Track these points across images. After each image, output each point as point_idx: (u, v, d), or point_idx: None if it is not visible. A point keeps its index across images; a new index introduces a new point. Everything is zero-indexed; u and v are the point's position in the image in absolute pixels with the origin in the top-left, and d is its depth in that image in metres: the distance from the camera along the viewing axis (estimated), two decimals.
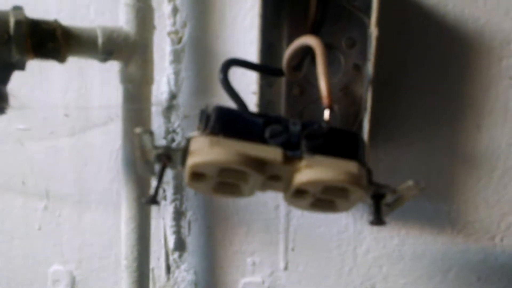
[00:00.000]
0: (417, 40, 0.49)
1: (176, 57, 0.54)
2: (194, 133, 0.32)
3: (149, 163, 0.35)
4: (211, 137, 0.32)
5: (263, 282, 0.58)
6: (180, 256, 0.60)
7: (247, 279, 0.59)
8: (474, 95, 0.49)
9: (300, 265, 0.57)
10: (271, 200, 0.56)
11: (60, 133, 0.59)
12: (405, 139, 0.50)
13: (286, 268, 0.57)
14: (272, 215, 0.56)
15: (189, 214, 0.58)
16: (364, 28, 0.47)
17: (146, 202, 0.33)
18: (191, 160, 0.31)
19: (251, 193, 0.35)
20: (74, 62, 0.57)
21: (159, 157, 0.34)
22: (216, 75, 0.53)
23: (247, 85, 0.52)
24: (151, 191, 0.33)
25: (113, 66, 0.53)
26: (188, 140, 0.33)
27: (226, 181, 0.34)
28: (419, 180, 0.33)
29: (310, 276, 0.57)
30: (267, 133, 0.32)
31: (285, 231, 0.56)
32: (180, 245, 0.60)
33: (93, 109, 0.57)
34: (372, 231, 0.54)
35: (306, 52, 0.46)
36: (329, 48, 0.49)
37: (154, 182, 0.34)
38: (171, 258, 0.60)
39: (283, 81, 0.51)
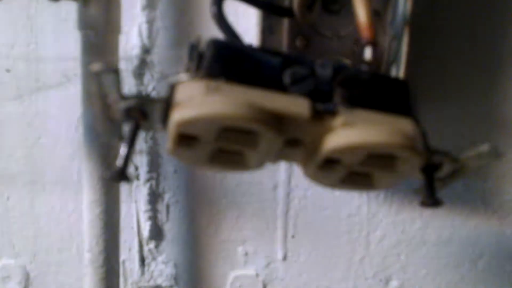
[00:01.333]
0: None
1: (150, 2, 0.44)
2: (181, 76, 0.22)
3: (114, 122, 0.24)
4: (207, 81, 0.21)
5: (257, 275, 0.49)
6: (156, 246, 0.51)
7: (238, 272, 0.50)
8: None
9: (302, 254, 0.48)
10: (268, 179, 0.46)
11: (3, 94, 0.48)
12: (435, 102, 0.42)
13: (284, 258, 0.48)
14: (269, 195, 0.47)
15: (167, 196, 0.49)
16: None
17: (111, 177, 0.23)
18: (179, 114, 0.21)
19: (259, 164, 0.25)
20: (21, 9, 0.47)
21: (129, 112, 0.23)
22: (199, 25, 0.44)
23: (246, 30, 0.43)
24: (118, 161, 0.23)
25: (70, 14, 0.43)
26: (173, 87, 0.22)
27: (226, 148, 0.24)
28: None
29: (313, 268, 0.48)
30: (287, 78, 0.22)
31: (283, 215, 0.47)
32: (157, 233, 0.50)
33: (44, 64, 0.46)
34: (390, 213, 0.45)
35: None
36: None
37: (123, 150, 0.23)
38: (145, 248, 0.51)
39: (284, 28, 0.42)
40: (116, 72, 0.21)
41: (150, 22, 0.45)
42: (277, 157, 0.26)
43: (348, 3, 0.41)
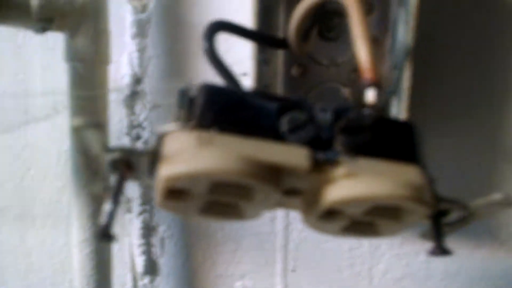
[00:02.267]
0: (453, 4, 0.38)
1: (140, 30, 0.43)
2: (170, 125, 0.20)
3: (100, 174, 0.23)
4: (198, 132, 0.20)
5: None
6: (151, 281, 0.49)
7: None
8: None
9: None
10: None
11: None
12: (438, 128, 0.40)
13: None
14: (267, 228, 0.45)
15: (161, 230, 0.47)
16: None
17: (98, 238, 0.21)
18: (167, 170, 0.20)
19: (256, 214, 0.24)
20: (9, 39, 0.46)
21: (114, 165, 0.22)
22: (192, 53, 0.43)
23: (233, 65, 0.41)
24: (103, 218, 0.21)
25: (58, 43, 0.42)
26: (161, 138, 0.21)
27: (220, 200, 0.22)
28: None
29: None
30: (284, 125, 0.21)
31: (283, 248, 0.45)
32: (151, 268, 0.48)
33: (33, 98, 0.45)
34: (393, 246, 0.44)
35: (314, 20, 0.34)
36: (336, 16, 0.39)
37: (107, 206, 0.22)
38: (140, 284, 0.49)
39: (280, 58, 0.40)
40: (97, 126, 0.19)
41: (141, 51, 0.43)
42: (275, 205, 0.24)
43: (344, 30, 0.40)
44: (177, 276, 0.48)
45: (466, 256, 0.43)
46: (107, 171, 0.22)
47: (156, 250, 0.48)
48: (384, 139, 0.22)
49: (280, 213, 0.45)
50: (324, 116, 0.21)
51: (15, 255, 0.52)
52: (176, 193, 0.21)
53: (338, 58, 0.41)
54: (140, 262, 0.48)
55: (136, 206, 0.47)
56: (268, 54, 0.38)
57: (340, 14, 0.39)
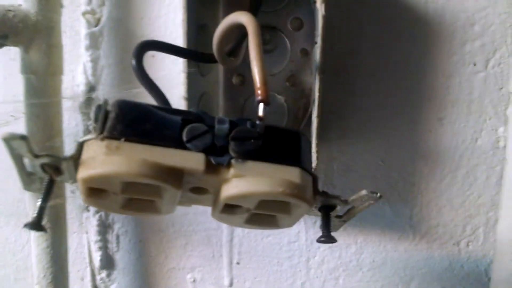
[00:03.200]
0: (371, 22, 0.42)
1: (94, 42, 0.46)
2: (88, 136, 0.24)
3: (34, 176, 0.27)
4: (108, 141, 0.24)
5: None
6: (108, 275, 0.52)
7: None
8: (435, 84, 0.43)
9: (247, 280, 0.50)
10: None
11: None
12: (361, 135, 0.44)
13: (231, 284, 0.50)
14: (214, 225, 0.49)
15: (116, 227, 0.50)
16: (312, 6, 0.40)
17: (27, 227, 0.25)
18: (82, 173, 0.24)
19: (170, 209, 0.28)
20: None
21: (43, 168, 0.25)
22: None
23: (178, 74, 0.45)
24: (34, 212, 0.25)
25: (18, 54, 0.44)
26: (81, 145, 0.25)
27: (136, 197, 0.26)
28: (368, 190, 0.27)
29: None
30: (185, 135, 0.25)
31: (228, 243, 0.49)
32: (108, 263, 0.52)
33: None
34: None
35: (244, 34, 0.38)
36: (273, 31, 0.43)
37: (38, 202, 0.25)
38: (98, 277, 0.52)
39: (220, 69, 0.44)
40: (23, 137, 0.23)
41: (94, 61, 0.47)
42: (188, 202, 0.29)
43: (280, 44, 0.44)
44: (133, 270, 0.52)
45: (391, 248, 0.47)
46: (38, 173, 0.26)
47: (112, 246, 0.51)
48: (272, 145, 0.26)
49: None
50: (222, 127, 0.25)
51: None
52: (96, 191, 0.25)
53: (273, 69, 0.44)
54: (97, 257, 0.51)
55: None
56: (205, 66, 0.42)
57: (274, 28, 0.44)
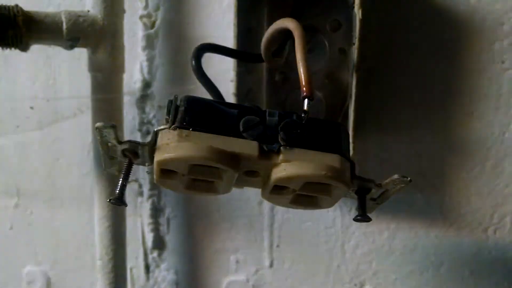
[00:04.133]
0: (404, 23, 0.46)
1: (149, 43, 0.51)
2: (162, 126, 0.29)
3: (115, 160, 0.32)
4: (179, 130, 0.28)
5: (247, 281, 0.55)
6: (159, 255, 0.57)
7: (231, 278, 0.56)
8: (465, 80, 0.46)
9: (286, 262, 0.54)
10: (254, 196, 0.53)
11: (27, 126, 0.55)
12: (394, 128, 0.48)
13: (271, 265, 0.55)
14: (256, 211, 0.53)
15: (167, 211, 0.55)
16: (349, 10, 0.44)
17: (112, 202, 0.30)
18: (158, 156, 0.28)
19: (227, 190, 0.32)
20: (41, 50, 0.54)
21: (124, 153, 0.30)
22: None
23: (225, 72, 0.49)
24: (116, 190, 0.30)
25: (83, 54, 0.50)
26: (156, 134, 0.29)
27: (199, 178, 0.31)
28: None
29: (296, 273, 0.54)
30: (241, 126, 0.29)
31: (269, 227, 0.53)
32: (159, 244, 0.57)
33: (61, 100, 0.54)
34: (361, 225, 0.51)
35: (287, 36, 0.42)
36: (312, 32, 0.47)
37: (120, 181, 0.30)
38: (150, 257, 0.57)
39: (264, 67, 0.48)
40: (112, 126, 0.28)
41: (150, 60, 0.51)
42: (240, 184, 0.33)
43: (319, 44, 0.48)
44: (181, 251, 0.56)
45: (422, 234, 0.50)
46: (119, 157, 0.31)
47: (163, 228, 0.56)
48: (315, 135, 0.30)
49: None
50: (272, 119, 0.30)
51: (45, 232, 0.59)
52: (167, 172, 0.30)
53: (313, 67, 0.48)
54: (149, 238, 0.56)
55: (146, 191, 0.55)
56: (251, 65, 0.46)
57: (314, 29, 0.47)
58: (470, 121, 0.47)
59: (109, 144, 0.30)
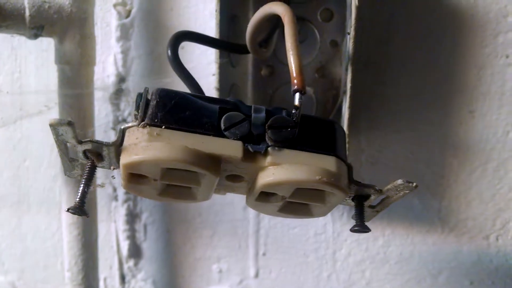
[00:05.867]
0: (403, 13, 0.42)
1: (124, 33, 0.47)
2: (130, 123, 0.25)
3: (76, 162, 0.27)
4: (150, 128, 0.24)
5: None
6: (135, 264, 0.53)
7: None
8: (466, 75, 0.43)
9: (273, 271, 0.50)
10: (238, 199, 0.49)
11: None
12: (390, 127, 0.44)
13: (256, 275, 0.51)
14: (240, 215, 0.49)
15: (144, 217, 0.51)
16: None
17: (70, 212, 0.26)
18: (125, 159, 0.24)
19: (206, 197, 0.28)
20: (5, 41, 0.50)
21: (86, 155, 0.26)
22: None
23: (207, 65, 0.45)
24: (76, 197, 0.25)
25: (51, 45, 0.45)
26: (123, 132, 0.25)
27: (174, 184, 0.27)
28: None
29: (284, 284, 0.50)
30: (223, 123, 0.25)
31: (255, 234, 0.50)
32: (135, 252, 0.52)
33: (27, 95, 0.49)
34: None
35: (275, 25, 0.39)
36: (302, 22, 0.43)
37: (80, 187, 0.26)
38: (125, 266, 0.53)
39: (249, 60, 0.44)
40: (69, 124, 0.23)
41: (125, 52, 0.47)
42: (224, 189, 0.29)
43: (310, 35, 0.44)
44: (159, 259, 0.53)
45: (419, 241, 0.47)
46: (81, 160, 0.26)
47: (139, 235, 0.52)
48: (307, 134, 0.26)
49: None
50: (258, 115, 0.26)
51: (11, 239, 0.55)
52: (137, 177, 0.26)
53: (302, 60, 0.44)
54: (125, 246, 0.52)
55: (121, 195, 0.51)
56: (235, 57, 0.42)
57: (303, 19, 0.44)
58: (471, 120, 0.43)
59: (68, 144, 0.25)
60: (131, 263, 0.53)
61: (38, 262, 0.56)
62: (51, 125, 0.24)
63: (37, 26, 0.40)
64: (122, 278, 0.54)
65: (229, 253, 0.51)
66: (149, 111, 0.25)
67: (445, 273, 0.47)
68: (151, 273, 0.53)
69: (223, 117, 0.25)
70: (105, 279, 0.54)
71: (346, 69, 0.37)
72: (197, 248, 0.51)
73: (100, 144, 0.25)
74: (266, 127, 0.25)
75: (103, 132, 0.49)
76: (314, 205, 0.28)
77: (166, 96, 0.25)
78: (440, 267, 0.47)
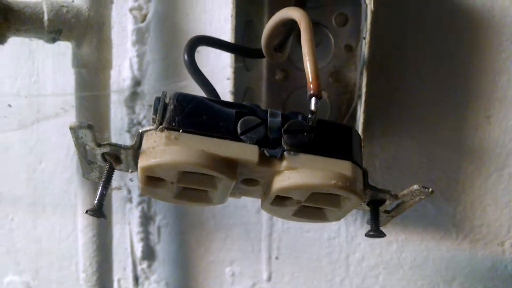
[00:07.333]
0: (417, 18, 0.42)
1: (140, 38, 0.47)
2: (148, 127, 0.25)
3: (94, 165, 0.28)
4: (168, 132, 0.24)
5: None
6: (149, 266, 0.53)
7: None
8: (482, 81, 0.42)
9: (286, 275, 0.50)
10: (252, 203, 0.49)
11: (7, 126, 0.51)
12: (405, 132, 0.44)
13: (269, 279, 0.51)
14: (253, 219, 0.49)
15: (158, 219, 0.51)
16: (357, 3, 0.40)
17: (89, 213, 0.26)
18: (143, 162, 0.24)
19: (222, 200, 0.28)
20: (23, 44, 0.51)
21: (104, 158, 0.26)
22: None
23: (222, 69, 0.46)
24: (95, 199, 0.26)
25: (68, 49, 0.46)
26: (141, 136, 0.25)
27: (190, 187, 0.27)
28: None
29: None
30: (239, 127, 0.25)
31: (268, 237, 0.50)
32: (149, 254, 0.53)
33: (45, 97, 0.50)
34: None
35: (290, 30, 0.39)
36: (316, 26, 0.43)
37: (99, 189, 0.26)
38: (139, 268, 0.53)
39: (263, 64, 0.45)
40: (89, 127, 0.24)
41: (140, 56, 0.48)
42: (237, 193, 0.29)
43: (324, 39, 0.44)
44: (173, 262, 0.53)
45: (433, 247, 0.46)
46: (99, 162, 0.27)
47: (153, 237, 0.52)
48: (324, 139, 0.26)
49: None
50: (274, 120, 0.26)
51: (27, 240, 0.56)
52: (154, 180, 0.26)
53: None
54: (139, 248, 0.53)
55: (135, 197, 0.51)
56: (250, 61, 0.42)
57: (318, 23, 0.44)
58: (488, 126, 0.43)
59: (87, 147, 0.26)
60: (144, 265, 0.53)
61: (53, 263, 0.57)
62: (71, 128, 0.24)
63: (55, 30, 0.40)
64: (136, 279, 0.54)
65: (242, 257, 0.51)
66: (167, 115, 0.25)
67: (459, 280, 0.47)
68: (164, 275, 0.53)
69: (240, 121, 0.25)
70: (119, 281, 0.54)
71: (361, 74, 0.37)
72: (210, 251, 0.51)
73: (118, 147, 0.26)
74: (282, 132, 0.25)
75: (118, 134, 0.50)
76: (329, 209, 0.28)
77: (184, 100, 0.25)
78: (454, 273, 0.47)
